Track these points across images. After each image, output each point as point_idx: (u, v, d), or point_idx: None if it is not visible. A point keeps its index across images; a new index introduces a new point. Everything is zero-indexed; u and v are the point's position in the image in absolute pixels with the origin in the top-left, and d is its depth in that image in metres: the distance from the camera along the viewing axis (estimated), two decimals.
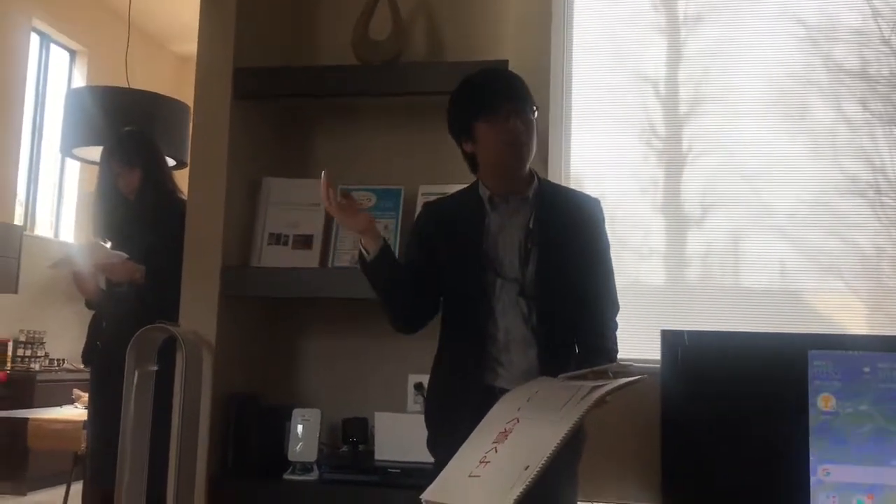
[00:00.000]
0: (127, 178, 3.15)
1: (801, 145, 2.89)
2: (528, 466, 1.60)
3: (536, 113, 2.08)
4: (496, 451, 1.72)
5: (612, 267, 2.17)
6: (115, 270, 3.04)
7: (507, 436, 1.76)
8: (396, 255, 2.28)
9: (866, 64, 2.88)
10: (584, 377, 1.84)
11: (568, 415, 1.69)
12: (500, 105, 2.02)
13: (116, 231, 3.18)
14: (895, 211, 2.84)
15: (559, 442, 1.62)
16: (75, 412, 4.66)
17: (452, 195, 2.24)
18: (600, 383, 1.77)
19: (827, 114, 2.89)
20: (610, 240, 2.19)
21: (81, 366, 4.75)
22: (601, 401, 1.72)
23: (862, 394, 2.35)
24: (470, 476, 1.69)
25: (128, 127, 3.39)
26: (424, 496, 1.72)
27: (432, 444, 2.13)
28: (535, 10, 2.86)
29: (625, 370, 1.85)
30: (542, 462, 1.59)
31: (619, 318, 2.18)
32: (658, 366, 2.55)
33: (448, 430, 1.97)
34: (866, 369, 2.35)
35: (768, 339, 2.52)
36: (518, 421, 1.79)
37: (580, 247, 2.09)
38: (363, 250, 2.06)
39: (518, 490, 1.56)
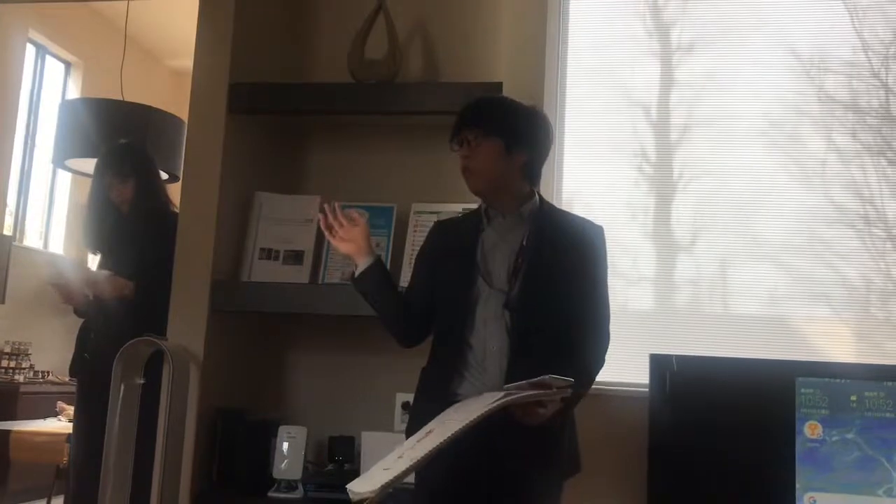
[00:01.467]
0: (120, 189, 3.15)
1: (792, 174, 2.91)
2: (401, 456, 1.71)
3: (499, 140, 2.08)
4: (413, 448, 1.76)
5: (606, 296, 2.14)
6: (103, 287, 3.03)
7: (428, 433, 1.81)
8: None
9: (857, 96, 2.91)
10: (521, 388, 1.85)
11: (472, 415, 1.74)
12: (455, 132, 2.13)
13: (107, 243, 3.17)
14: (883, 242, 2.85)
15: (448, 437, 1.70)
16: (59, 425, 4.62)
17: (463, 214, 2.33)
18: (527, 393, 1.81)
19: (818, 144, 2.91)
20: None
21: (66, 378, 4.72)
22: (535, 404, 1.82)
23: (849, 422, 2.35)
24: (384, 469, 1.71)
25: (123, 139, 3.39)
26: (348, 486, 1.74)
27: None
28: (530, 33, 2.88)
29: (559, 381, 1.85)
30: (420, 456, 1.68)
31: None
32: (647, 390, 2.55)
33: None
34: (853, 398, 2.36)
35: (756, 366, 2.53)
36: (443, 423, 1.84)
37: (571, 270, 2.08)
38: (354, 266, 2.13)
39: (386, 478, 1.63)
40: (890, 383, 2.36)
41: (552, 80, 2.95)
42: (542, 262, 2.07)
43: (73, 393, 4.30)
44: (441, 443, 1.69)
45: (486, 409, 1.75)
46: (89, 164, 3.96)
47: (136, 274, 3.01)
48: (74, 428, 3.28)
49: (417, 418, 2.02)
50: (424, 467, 1.81)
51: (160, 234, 2.99)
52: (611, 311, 2.14)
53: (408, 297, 2.23)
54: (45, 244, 6.14)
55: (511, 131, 2.10)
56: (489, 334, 2.05)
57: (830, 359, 2.76)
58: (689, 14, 3.04)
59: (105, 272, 3.03)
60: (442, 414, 1.91)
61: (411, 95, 2.90)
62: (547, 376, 1.84)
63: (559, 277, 2.07)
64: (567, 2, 3.07)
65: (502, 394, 1.82)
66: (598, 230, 2.17)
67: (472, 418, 1.73)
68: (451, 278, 2.11)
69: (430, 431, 1.82)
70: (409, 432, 2.04)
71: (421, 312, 2.19)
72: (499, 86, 2.72)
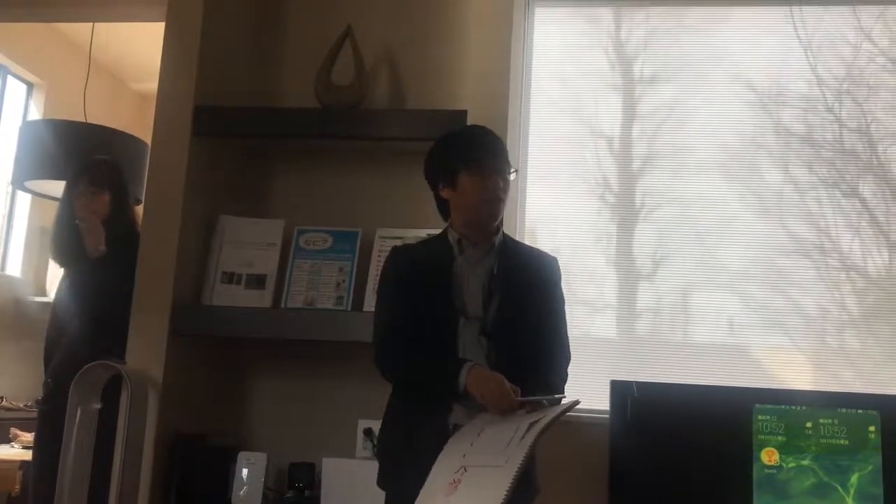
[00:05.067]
0: (90, 202, 3.07)
1: (750, 205, 2.97)
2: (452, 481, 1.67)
3: (514, 175, 2.21)
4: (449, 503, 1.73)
5: (565, 321, 2.26)
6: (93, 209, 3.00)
7: (457, 486, 1.78)
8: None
9: (812, 129, 2.99)
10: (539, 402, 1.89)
11: (513, 458, 1.72)
12: (488, 161, 2.15)
13: (73, 258, 3.10)
14: (838, 272, 2.91)
15: (510, 486, 1.66)
16: (11, 451, 4.49)
17: (422, 241, 2.34)
18: (537, 416, 1.82)
19: (774, 175, 2.98)
20: (563, 291, 2.27)
21: (21, 404, 4.61)
22: (546, 429, 1.79)
23: (804, 449, 2.39)
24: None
25: (100, 156, 3.35)
26: None
27: (383, 477, 2.14)
28: (495, 63, 2.92)
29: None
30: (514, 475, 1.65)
31: (570, 368, 2.23)
32: (607, 416, 2.57)
33: (401, 464, 2.01)
34: (809, 424, 2.40)
35: (715, 393, 2.56)
36: (465, 470, 1.82)
37: (538, 296, 2.19)
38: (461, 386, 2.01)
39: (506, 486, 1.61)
40: (844, 410, 2.40)
41: (516, 109, 2.99)
42: (512, 290, 2.15)
43: (27, 419, 4.20)
44: (512, 483, 1.68)
45: (527, 442, 1.74)
46: (50, 186, 3.91)
47: (104, 297, 2.95)
48: (34, 455, 3.20)
49: (409, 447, 2.02)
50: (397, 483, 1.93)
51: (129, 257, 2.92)
52: (570, 338, 2.26)
53: (402, 334, 2.13)
54: (3, 267, 6.02)
55: (516, 171, 2.24)
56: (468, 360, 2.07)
57: (787, 386, 2.81)
58: (650, 49, 3.11)
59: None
60: (445, 459, 1.89)
61: (377, 122, 2.92)
62: (562, 395, 1.95)
63: (529, 303, 2.16)
64: (532, 34, 3.13)
65: (526, 422, 1.82)
66: (555, 260, 2.30)
67: (518, 457, 1.71)
68: (431, 310, 2.12)
69: (453, 482, 1.79)
70: (397, 458, 2.06)
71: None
72: (463, 114, 2.75)
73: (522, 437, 1.75)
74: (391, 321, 2.16)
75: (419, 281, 2.16)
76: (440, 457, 1.92)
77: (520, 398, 1.94)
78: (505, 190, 2.17)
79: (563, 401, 1.99)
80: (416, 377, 2.11)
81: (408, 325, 2.11)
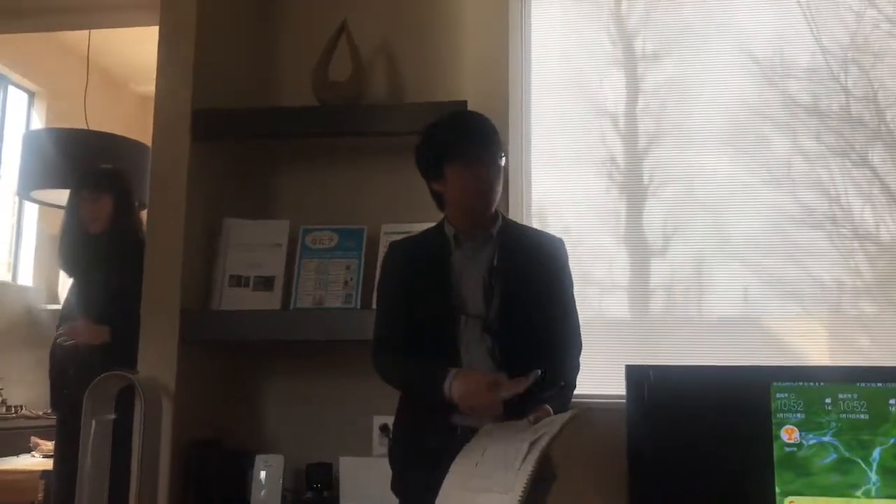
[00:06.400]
0: (91, 208, 3.08)
1: (759, 176, 2.93)
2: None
3: (504, 159, 2.12)
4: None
5: (574, 306, 2.18)
6: (82, 336, 2.98)
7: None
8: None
9: (818, 99, 2.94)
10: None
11: (515, 487, 1.70)
12: (472, 151, 2.06)
13: (80, 266, 3.11)
14: (851, 241, 2.88)
15: (537, 458, 1.66)
16: (32, 461, 4.52)
17: (419, 234, 2.26)
18: (538, 433, 1.78)
19: (783, 146, 2.94)
20: (574, 273, 2.21)
21: (40, 413, 4.64)
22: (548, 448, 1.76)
23: (824, 425, 2.36)
24: None
25: (103, 165, 3.36)
26: None
27: (396, 484, 2.12)
28: (493, 49, 2.89)
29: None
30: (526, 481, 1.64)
31: (584, 351, 2.17)
32: (623, 400, 2.54)
33: (412, 470, 1.99)
34: (828, 401, 2.37)
35: (732, 373, 2.53)
36: (470, 494, 1.79)
37: (542, 285, 2.11)
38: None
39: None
40: (862, 384, 2.37)
41: (517, 94, 2.96)
42: (514, 281, 2.08)
43: (47, 427, 4.22)
44: (524, 489, 1.68)
45: (528, 465, 1.73)
46: (56, 195, 3.91)
47: (111, 303, 2.95)
48: (55, 465, 3.22)
49: (419, 452, 2.00)
50: (410, 489, 1.94)
51: (135, 261, 2.92)
52: (582, 320, 2.19)
53: (397, 334, 2.11)
54: (14, 276, 6.04)
55: (505, 152, 2.14)
56: (473, 359, 2.04)
57: (804, 357, 2.79)
58: (651, 23, 3.07)
59: (83, 321, 2.98)
60: (451, 485, 1.86)
61: (377, 117, 2.89)
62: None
63: (532, 294, 2.08)
64: (529, 15, 3.09)
65: (527, 440, 1.80)
66: (560, 242, 2.21)
67: (521, 484, 1.70)
68: (429, 310, 2.07)
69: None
70: (407, 464, 2.06)
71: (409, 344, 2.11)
72: (463, 104, 2.72)
73: (524, 460, 1.72)
74: (387, 323, 2.14)
75: (417, 279, 2.11)
76: (447, 479, 1.87)
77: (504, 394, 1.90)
78: (496, 177, 2.07)
79: (562, 394, 1.98)
80: (403, 384, 2.09)
81: (407, 325, 2.08)
